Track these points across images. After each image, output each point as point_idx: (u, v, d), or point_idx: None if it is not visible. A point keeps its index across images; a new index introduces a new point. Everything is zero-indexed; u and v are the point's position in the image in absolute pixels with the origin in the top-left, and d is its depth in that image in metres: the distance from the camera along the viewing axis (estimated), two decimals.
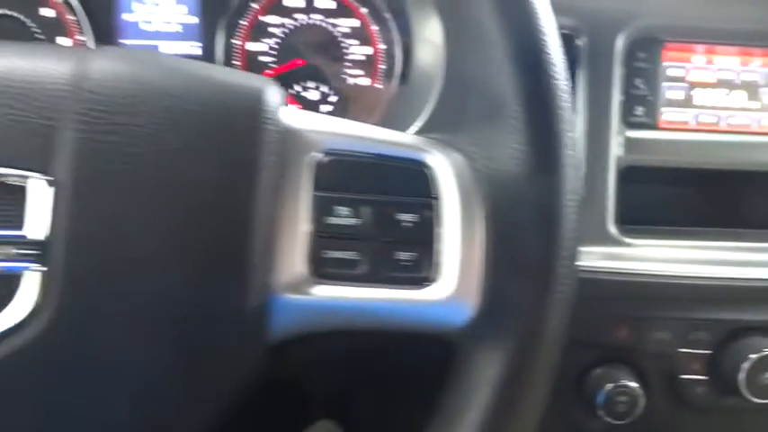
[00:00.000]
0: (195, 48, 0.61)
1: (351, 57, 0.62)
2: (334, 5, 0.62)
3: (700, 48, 0.61)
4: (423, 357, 0.53)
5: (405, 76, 0.62)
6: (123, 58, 0.32)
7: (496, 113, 0.34)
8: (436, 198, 0.35)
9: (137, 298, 0.31)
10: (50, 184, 0.29)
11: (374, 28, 0.62)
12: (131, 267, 0.30)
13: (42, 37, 0.59)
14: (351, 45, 0.62)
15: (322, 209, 0.34)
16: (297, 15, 0.61)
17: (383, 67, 0.63)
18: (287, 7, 0.61)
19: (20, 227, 0.29)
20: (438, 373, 0.48)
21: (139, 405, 0.33)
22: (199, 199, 0.31)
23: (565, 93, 0.34)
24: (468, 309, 0.35)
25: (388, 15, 0.62)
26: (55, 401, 0.31)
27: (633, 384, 0.56)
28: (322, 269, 0.34)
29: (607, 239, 0.58)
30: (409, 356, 0.55)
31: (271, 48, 0.62)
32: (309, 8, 0.61)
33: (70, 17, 0.59)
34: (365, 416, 0.70)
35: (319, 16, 0.62)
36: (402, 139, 0.36)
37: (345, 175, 0.34)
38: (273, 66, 0.62)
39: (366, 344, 0.42)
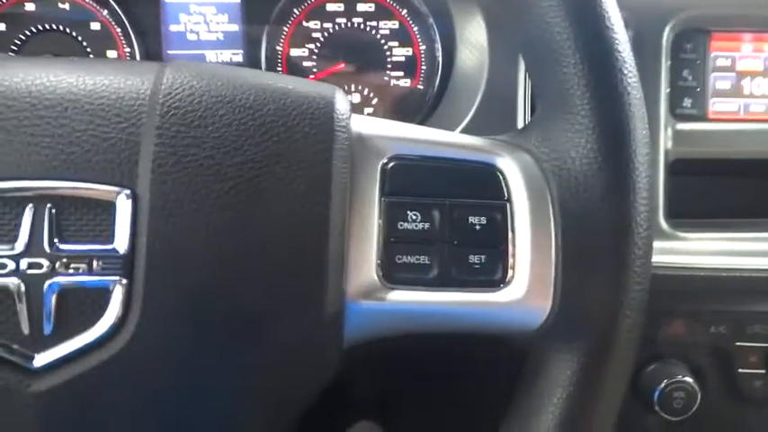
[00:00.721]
0: (237, 55, 0.62)
1: (392, 58, 0.63)
2: (373, 8, 0.62)
3: (747, 36, 0.60)
4: (473, 359, 0.53)
5: (446, 77, 0.62)
6: (197, 73, 0.32)
7: (565, 112, 0.34)
8: (508, 200, 0.34)
9: (217, 306, 0.31)
10: (134, 197, 0.30)
11: (415, 29, 0.62)
12: (213, 277, 0.31)
13: (90, 50, 0.60)
14: (392, 47, 0.62)
15: (393, 214, 0.34)
16: (338, 19, 0.62)
17: (424, 68, 0.63)
18: (328, 12, 0.61)
19: (111, 241, 0.30)
20: (488, 374, 0.48)
21: (220, 411, 0.33)
22: (275, 208, 0.31)
23: (636, 89, 0.34)
24: (541, 310, 0.34)
25: (428, 16, 0.62)
26: (139, 409, 0.32)
27: (689, 380, 0.55)
28: (394, 274, 0.34)
29: (658, 234, 0.58)
30: (459, 358, 0.55)
31: (312, 52, 0.62)
32: (350, 11, 0.62)
33: (117, 30, 0.60)
34: (408, 417, 0.70)
35: (359, 19, 0.62)
36: (471, 142, 0.36)
37: (416, 179, 0.34)
38: (315, 70, 0.62)
39: (430, 346, 0.42)
